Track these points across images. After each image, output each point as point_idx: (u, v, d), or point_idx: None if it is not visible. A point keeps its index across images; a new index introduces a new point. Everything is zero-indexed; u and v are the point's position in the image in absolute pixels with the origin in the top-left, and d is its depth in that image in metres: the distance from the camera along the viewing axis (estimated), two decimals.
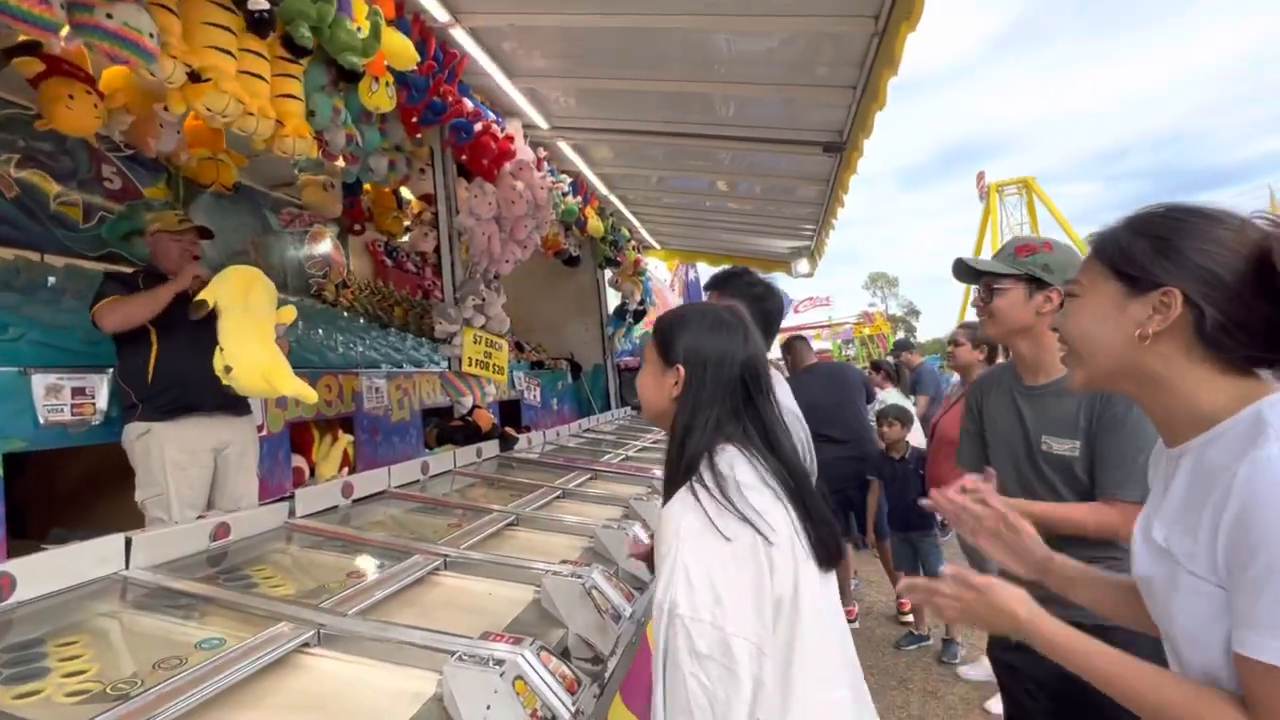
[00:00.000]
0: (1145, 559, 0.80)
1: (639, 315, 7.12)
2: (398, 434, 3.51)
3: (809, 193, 4.48)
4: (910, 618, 3.55)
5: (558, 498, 2.66)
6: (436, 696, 1.10)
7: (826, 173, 3.91)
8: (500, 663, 1.13)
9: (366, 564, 1.66)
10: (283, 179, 4.65)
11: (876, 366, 5.61)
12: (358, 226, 4.74)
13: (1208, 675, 0.71)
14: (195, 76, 1.91)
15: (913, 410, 4.17)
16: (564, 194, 4.34)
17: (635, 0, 2.53)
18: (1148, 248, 0.77)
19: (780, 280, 9.28)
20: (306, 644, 1.18)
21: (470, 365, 3.37)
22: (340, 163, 3.40)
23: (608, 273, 6.65)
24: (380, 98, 2.33)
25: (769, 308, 1.81)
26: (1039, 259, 1.50)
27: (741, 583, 0.85)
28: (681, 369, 1.03)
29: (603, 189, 5.11)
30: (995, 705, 2.74)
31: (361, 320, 4.68)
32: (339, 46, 2.14)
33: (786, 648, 0.88)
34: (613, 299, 7.05)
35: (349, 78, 2.34)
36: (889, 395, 4.96)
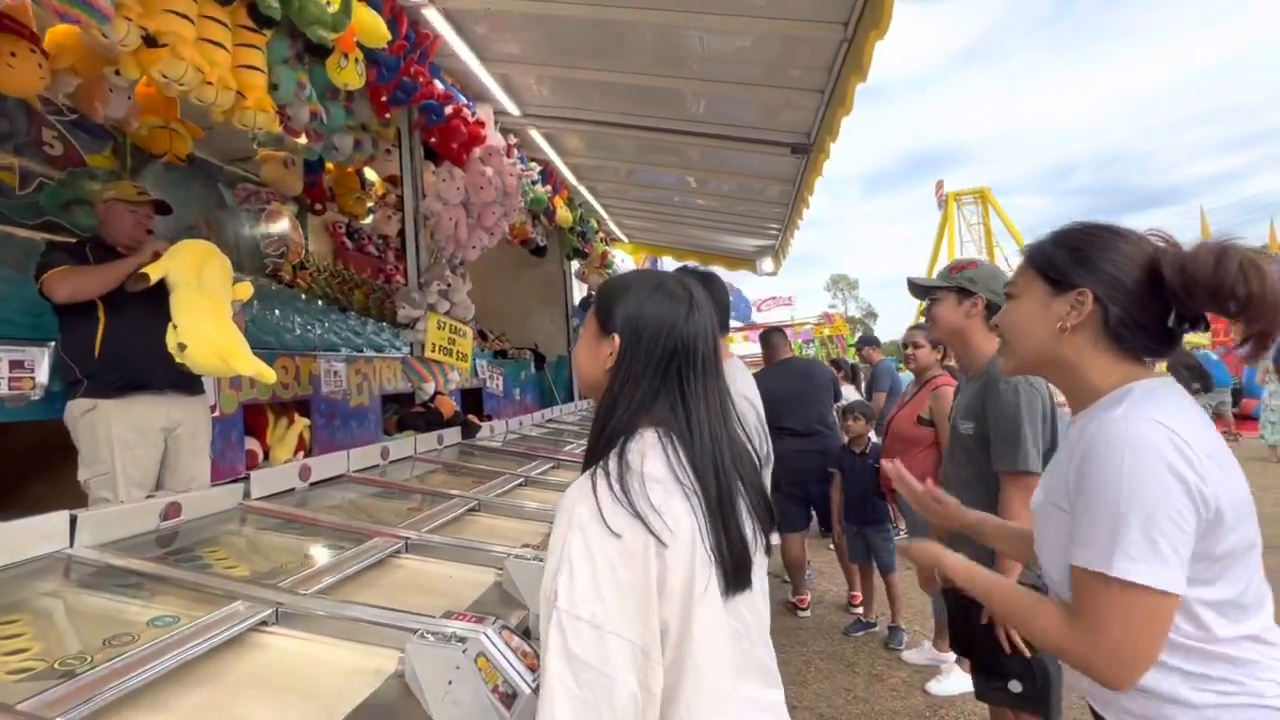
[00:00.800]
0: (1041, 496, 1.01)
1: None
2: (356, 419, 3.44)
3: (775, 193, 4.56)
4: (860, 608, 3.68)
5: (520, 485, 2.67)
6: (398, 673, 1.11)
7: (793, 174, 4.00)
8: (463, 640, 1.15)
9: (325, 546, 1.64)
10: (240, 153, 4.48)
11: (836, 365, 5.76)
12: (318, 206, 4.60)
13: (1062, 588, 0.92)
14: (151, 41, 1.84)
15: None
16: (533, 182, 4.31)
17: None
18: (1067, 256, 0.94)
19: (745, 278, 9.44)
20: (264, 622, 1.17)
21: (433, 351, 3.34)
22: (303, 139, 3.30)
23: (574, 264, 6.63)
24: (349, 74, 2.28)
25: (712, 289, 1.81)
26: (966, 274, 1.82)
27: (627, 582, 0.78)
28: (617, 338, 0.93)
29: (572, 179, 5.09)
30: (934, 686, 2.88)
31: (320, 302, 4.56)
32: (308, 19, 2.09)
33: (676, 651, 0.81)
34: (579, 291, 7.03)
35: (316, 52, 2.28)
36: (847, 393, 5.11)
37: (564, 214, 4.90)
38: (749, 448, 0.98)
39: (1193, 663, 0.82)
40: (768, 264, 6.60)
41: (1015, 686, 1.71)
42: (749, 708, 0.88)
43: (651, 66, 3.16)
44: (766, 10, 2.46)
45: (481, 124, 3.24)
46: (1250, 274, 0.81)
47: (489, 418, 5.10)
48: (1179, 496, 0.78)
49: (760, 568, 0.94)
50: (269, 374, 2.15)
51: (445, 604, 1.40)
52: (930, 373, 3.01)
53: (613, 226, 6.69)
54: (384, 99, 2.56)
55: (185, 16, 1.94)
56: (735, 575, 0.85)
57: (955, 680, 2.85)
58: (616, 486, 0.82)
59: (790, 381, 3.71)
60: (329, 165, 4.35)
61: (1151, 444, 0.80)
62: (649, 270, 1.17)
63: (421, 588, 1.59)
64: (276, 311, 3.59)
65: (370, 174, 4.71)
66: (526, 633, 1.53)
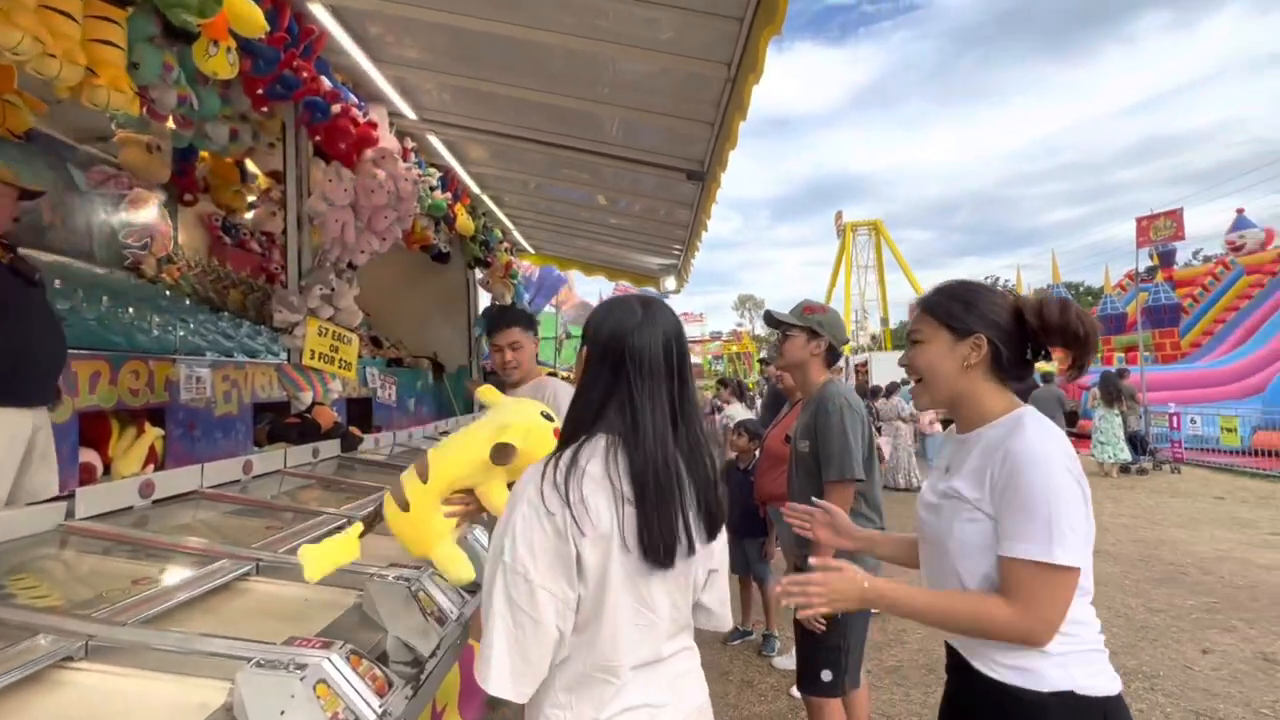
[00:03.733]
0: (936, 497, 1.20)
1: None
2: (221, 429, 3.17)
3: (677, 214, 4.72)
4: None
5: None
6: (226, 706, 1.05)
7: (691, 198, 4.16)
8: (302, 667, 1.10)
9: (159, 570, 1.51)
10: (96, 132, 4.04)
11: (724, 383, 6.00)
12: (189, 196, 4.23)
13: (988, 579, 1.10)
14: None
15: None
16: (432, 188, 4.20)
17: (520, 12, 2.55)
18: (963, 309, 1.19)
19: (652, 294, 9.63)
20: (70, 657, 1.06)
21: (312, 359, 3.15)
22: (170, 124, 3.05)
23: (478, 273, 6.49)
24: (218, 63, 2.13)
25: None
26: (816, 317, 2.14)
27: (554, 550, 0.97)
28: (585, 350, 1.12)
29: (475, 188, 5.01)
30: (799, 690, 3.05)
31: (188, 301, 4.17)
32: (168, 1, 1.94)
33: (584, 619, 0.99)
34: (483, 300, 6.88)
35: (183, 36, 2.13)
36: (735, 410, 5.33)
37: (465, 222, 4.80)
38: (706, 450, 1.11)
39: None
40: (671, 282, 6.78)
41: (826, 675, 2.01)
42: (634, 681, 1.02)
43: (561, 86, 3.20)
44: (666, 46, 2.57)
45: (374, 125, 3.13)
46: (1084, 319, 1.13)
47: (378, 429, 4.86)
48: (1079, 496, 1.05)
49: (701, 560, 1.10)
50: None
51: (294, 629, 1.33)
52: (798, 394, 3.22)
53: (518, 237, 6.63)
54: (260, 91, 2.41)
55: None
56: (657, 557, 0.99)
57: None
58: (559, 476, 0.99)
59: None
60: (204, 154, 4.03)
61: (1057, 459, 1.06)
62: (624, 294, 1.27)
63: (271, 613, 1.51)
64: (131, 309, 3.26)
65: (253, 166, 4.40)
66: (383, 656, 1.49)
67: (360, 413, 4.76)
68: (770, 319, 2.21)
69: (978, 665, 1.13)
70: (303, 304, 3.13)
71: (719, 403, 7.09)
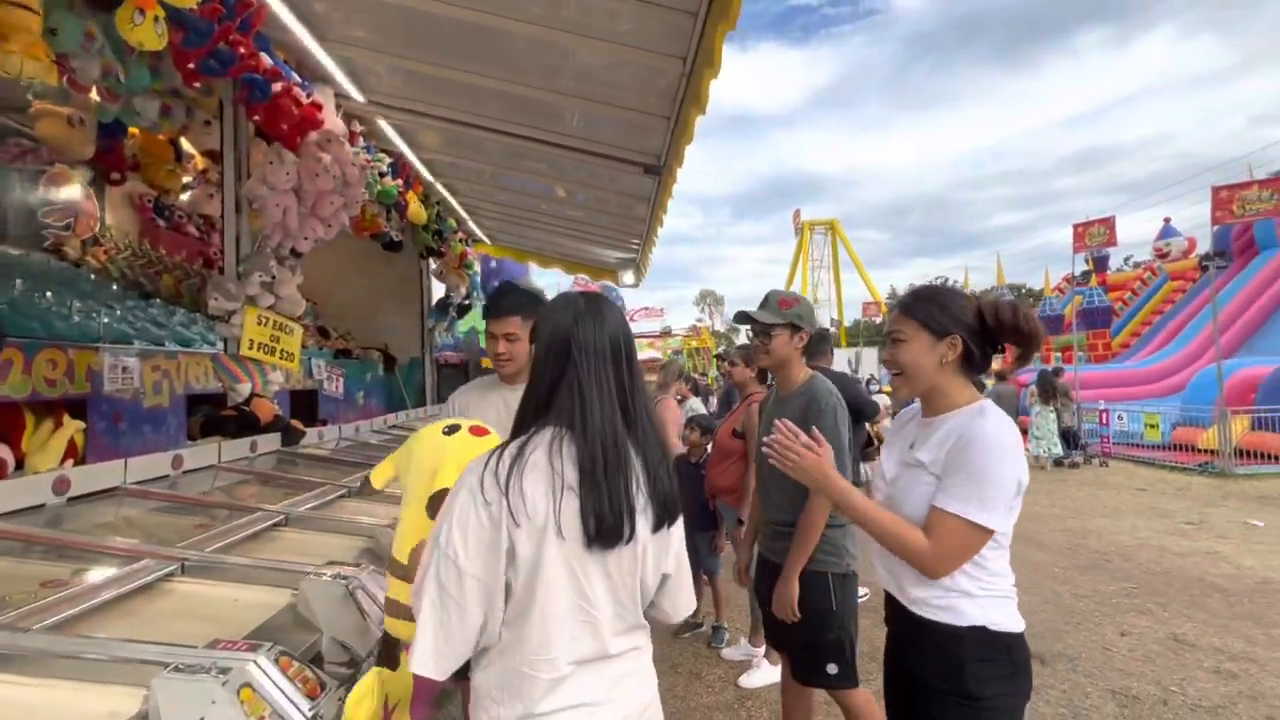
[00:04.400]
0: (896, 468, 1.42)
1: (464, 310, 6.87)
2: (150, 422, 3.01)
3: (635, 209, 4.70)
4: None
5: (341, 496, 2.50)
6: (141, 715, 1.00)
7: (649, 192, 4.14)
8: (225, 670, 1.06)
9: (72, 571, 1.43)
10: (11, 102, 3.75)
11: (682, 377, 6.03)
12: (116, 175, 3.97)
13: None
14: None
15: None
16: (381, 174, 4.07)
17: None
18: (939, 311, 1.36)
19: (612, 289, 9.59)
20: None
21: (251, 349, 3.02)
22: (94, 97, 2.86)
23: (432, 263, 6.33)
24: (144, 33, 2.00)
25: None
26: (795, 310, 2.09)
27: (487, 539, 0.99)
28: (534, 347, 1.15)
29: (428, 175, 4.87)
30: (745, 680, 3.11)
31: (115, 286, 3.93)
32: None
33: (519, 608, 1.00)
34: (437, 290, 6.72)
35: (105, 2, 1.99)
36: (693, 405, 5.37)
37: (417, 210, 4.67)
38: (656, 436, 1.13)
39: (978, 572, 1.30)
40: (629, 276, 6.77)
41: (832, 669, 2.00)
42: (575, 678, 1.01)
43: (519, 75, 3.13)
44: (626, 38, 2.54)
45: (318, 106, 3.00)
46: (1030, 319, 1.34)
47: (324, 422, 4.71)
48: (1014, 480, 1.26)
49: (653, 559, 1.10)
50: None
51: (221, 631, 1.28)
52: (748, 388, 3.26)
53: (473, 227, 6.49)
54: (192, 66, 2.28)
55: None
56: (600, 537, 1.00)
57: (764, 673, 3.10)
58: (502, 467, 1.01)
59: None
60: (133, 130, 3.79)
61: (1009, 448, 1.27)
62: (570, 291, 1.25)
63: (196, 615, 1.44)
64: (49, 294, 3.05)
65: (188, 145, 4.17)
66: (318, 658, 1.44)
67: (305, 405, 4.60)
68: (746, 318, 2.14)
69: (913, 609, 1.36)
70: (240, 291, 2.98)
71: (677, 396, 7.12)
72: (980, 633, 1.29)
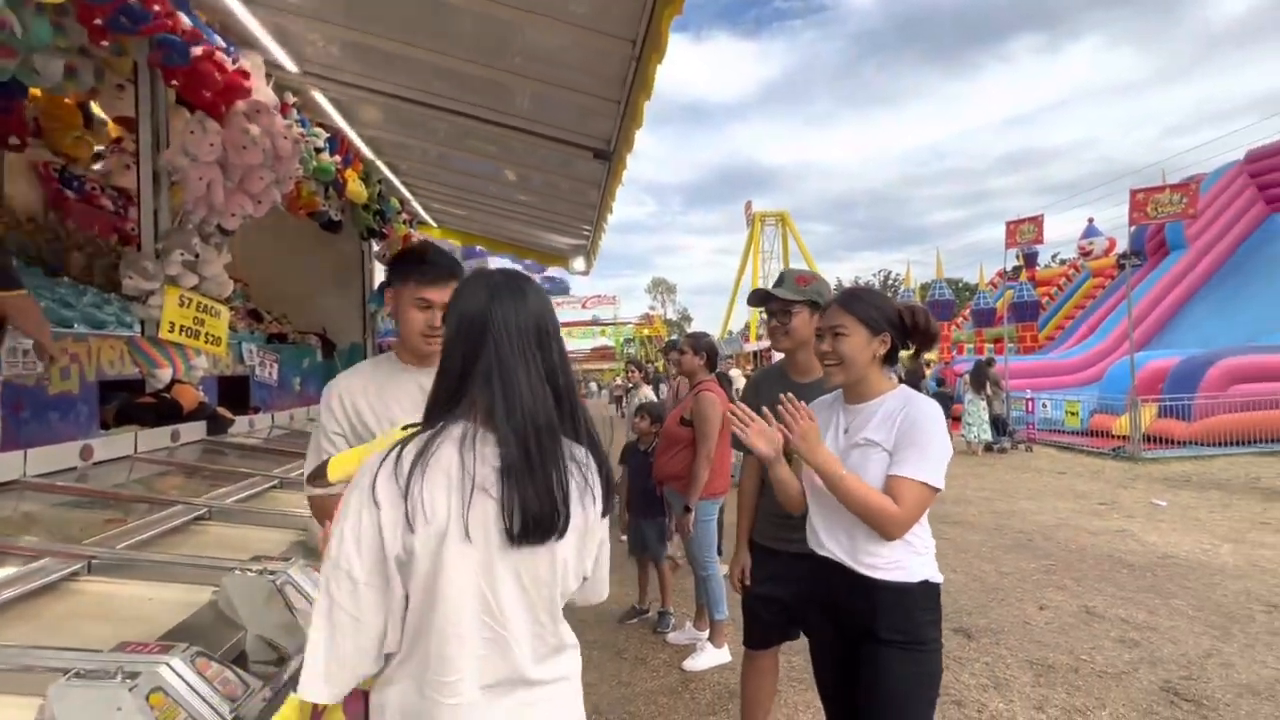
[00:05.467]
0: (841, 450, 1.58)
1: None
2: (57, 410, 2.78)
3: (587, 195, 4.63)
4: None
5: (273, 488, 2.39)
6: None
7: (599, 178, 4.10)
8: (133, 675, 0.99)
9: None
10: None
11: (637, 367, 6.04)
12: (15, 140, 3.63)
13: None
14: None
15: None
16: (318, 150, 3.86)
17: None
18: (874, 311, 1.58)
19: (564, 275, 9.48)
20: None
21: (172, 332, 2.83)
22: None
23: (374, 245, 6.09)
24: None
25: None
26: (814, 288, 2.04)
27: (378, 548, 0.91)
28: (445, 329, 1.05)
29: (369, 153, 4.67)
30: (689, 663, 3.16)
31: (16, 261, 3.61)
32: None
33: (419, 618, 0.92)
34: (379, 273, 6.47)
35: None
36: (644, 392, 5.38)
37: (356, 188, 4.47)
38: (589, 422, 1.06)
39: (920, 530, 1.53)
40: (580, 263, 6.70)
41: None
42: (482, 704, 0.93)
43: (467, 52, 3.01)
44: (576, 19, 2.48)
45: (245, 74, 2.81)
46: (931, 321, 1.62)
47: (256, 409, 4.47)
48: (949, 445, 1.52)
49: (573, 564, 1.00)
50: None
51: (131, 633, 1.20)
52: (697, 377, 3.28)
53: (418, 208, 6.28)
54: (98, 22, 2.09)
55: None
56: (530, 531, 0.93)
57: (708, 656, 3.16)
58: (402, 465, 0.91)
59: None
60: (35, 91, 3.47)
61: (942, 420, 1.53)
62: (484, 269, 1.14)
63: (105, 616, 1.35)
64: None
65: (100, 110, 3.85)
66: (242, 657, 1.37)
67: (235, 392, 4.36)
68: (765, 297, 2.03)
69: (863, 570, 1.53)
70: (159, 270, 2.79)
71: (629, 384, 7.14)
72: (925, 586, 1.53)
